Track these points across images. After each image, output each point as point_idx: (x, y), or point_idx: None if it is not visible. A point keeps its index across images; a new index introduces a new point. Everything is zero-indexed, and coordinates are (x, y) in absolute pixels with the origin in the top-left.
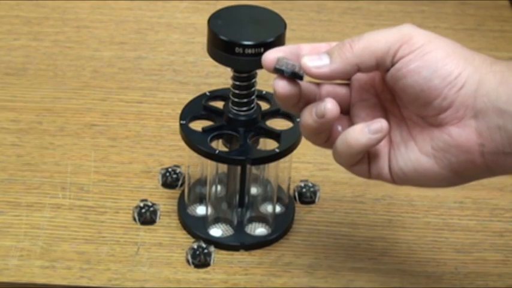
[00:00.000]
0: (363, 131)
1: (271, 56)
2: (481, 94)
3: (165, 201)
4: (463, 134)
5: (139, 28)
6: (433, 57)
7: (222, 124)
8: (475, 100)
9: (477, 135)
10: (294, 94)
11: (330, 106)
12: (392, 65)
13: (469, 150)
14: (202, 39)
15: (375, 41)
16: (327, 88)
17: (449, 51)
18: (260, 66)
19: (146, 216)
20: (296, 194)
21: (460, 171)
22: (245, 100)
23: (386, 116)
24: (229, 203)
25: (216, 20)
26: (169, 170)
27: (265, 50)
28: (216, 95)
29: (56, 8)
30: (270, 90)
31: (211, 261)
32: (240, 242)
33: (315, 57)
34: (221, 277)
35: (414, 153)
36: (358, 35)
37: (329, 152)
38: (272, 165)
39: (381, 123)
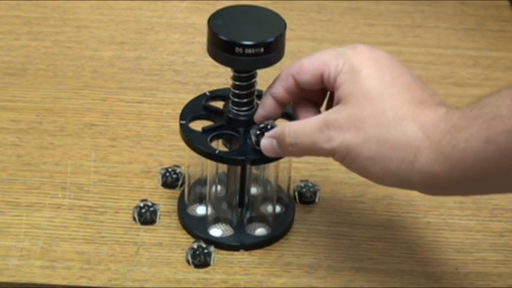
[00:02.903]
0: None
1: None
2: None
3: (165, 201)
4: None
5: (139, 28)
6: (358, 165)
7: (222, 124)
8: None
9: None
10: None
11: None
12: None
13: None
14: (202, 39)
15: (308, 150)
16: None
17: (368, 155)
18: (260, 66)
19: (146, 216)
20: (296, 194)
21: None
22: (245, 100)
23: None
24: (229, 203)
25: (216, 20)
26: (169, 170)
27: (265, 50)
28: (216, 95)
29: (56, 8)
30: None
31: (211, 261)
32: (240, 242)
33: (268, 144)
34: (221, 277)
35: None
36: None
37: None
38: (272, 165)
39: None
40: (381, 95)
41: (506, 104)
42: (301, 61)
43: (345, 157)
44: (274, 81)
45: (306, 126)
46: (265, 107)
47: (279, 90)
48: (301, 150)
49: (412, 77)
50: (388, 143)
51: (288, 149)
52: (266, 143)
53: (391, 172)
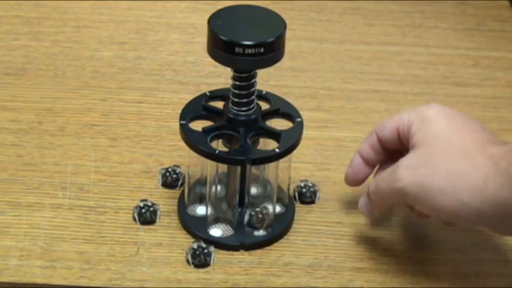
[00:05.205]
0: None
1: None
2: None
3: (165, 201)
4: None
5: (139, 28)
6: (431, 200)
7: (222, 124)
8: None
9: None
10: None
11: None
12: None
13: None
14: (202, 39)
15: (385, 195)
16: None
17: (439, 187)
18: (260, 66)
19: (146, 216)
20: (296, 194)
21: None
22: (245, 100)
23: None
24: (229, 203)
25: (216, 20)
26: (169, 170)
27: (265, 50)
28: (216, 95)
29: (56, 8)
30: (270, 90)
31: (211, 261)
32: (240, 242)
33: (363, 203)
34: (221, 277)
35: None
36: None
37: (329, 152)
38: (272, 165)
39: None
40: (450, 136)
41: None
42: (384, 120)
43: (417, 195)
44: (363, 141)
45: (384, 173)
46: (353, 165)
47: (365, 147)
48: (379, 197)
49: (482, 126)
50: (458, 174)
51: (371, 200)
52: (361, 202)
53: (463, 203)
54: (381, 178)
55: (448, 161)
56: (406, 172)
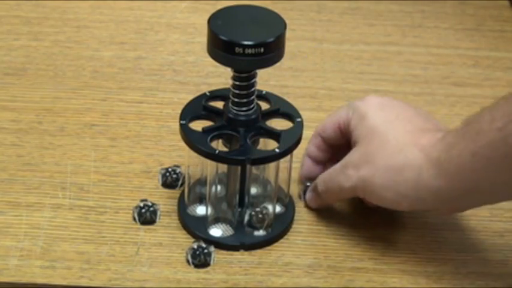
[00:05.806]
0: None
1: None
2: None
3: (165, 201)
4: None
5: (139, 28)
6: (375, 195)
7: (222, 124)
8: None
9: None
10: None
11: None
12: None
13: None
14: (202, 39)
15: (336, 193)
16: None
17: (380, 183)
18: (260, 66)
19: (146, 216)
20: (302, 193)
21: None
22: (245, 100)
23: None
24: (229, 203)
25: (216, 20)
26: (169, 170)
27: (265, 50)
28: (216, 95)
29: (56, 8)
30: (270, 90)
31: (211, 261)
32: (240, 242)
33: (310, 197)
34: (221, 277)
35: None
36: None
37: None
38: (272, 165)
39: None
40: (385, 129)
41: (486, 120)
42: (325, 120)
43: (364, 191)
44: (308, 142)
45: (331, 172)
46: (304, 166)
47: (312, 149)
48: (331, 195)
49: (417, 112)
50: (394, 169)
51: (322, 197)
52: (309, 196)
53: (403, 194)
54: (329, 178)
55: (385, 157)
56: (353, 171)
